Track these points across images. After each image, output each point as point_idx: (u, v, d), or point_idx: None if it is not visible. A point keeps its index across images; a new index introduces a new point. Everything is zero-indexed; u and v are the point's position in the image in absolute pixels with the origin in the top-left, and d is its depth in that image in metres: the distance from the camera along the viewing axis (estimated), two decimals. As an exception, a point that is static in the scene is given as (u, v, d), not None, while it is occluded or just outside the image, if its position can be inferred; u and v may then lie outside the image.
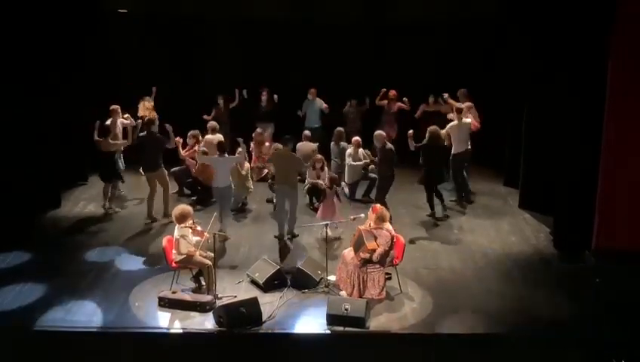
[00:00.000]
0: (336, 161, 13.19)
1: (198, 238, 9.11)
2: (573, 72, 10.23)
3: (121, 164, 13.20)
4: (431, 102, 14.67)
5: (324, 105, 14.71)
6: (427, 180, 11.84)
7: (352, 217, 10.02)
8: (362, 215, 9.62)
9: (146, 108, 14.14)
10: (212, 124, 13.08)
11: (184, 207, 9.31)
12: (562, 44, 10.66)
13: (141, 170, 13.06)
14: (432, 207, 11.94)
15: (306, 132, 13.78)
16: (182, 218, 9.10)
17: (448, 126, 12.44)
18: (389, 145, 11.64)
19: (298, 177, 11.31)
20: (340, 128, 13.50)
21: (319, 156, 12.32)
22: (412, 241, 10.80)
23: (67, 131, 12.93)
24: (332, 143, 13.33)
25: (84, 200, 12.82)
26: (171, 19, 15.75)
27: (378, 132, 11.88)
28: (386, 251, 9.00)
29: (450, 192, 12.77)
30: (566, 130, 10.44)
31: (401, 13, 15.46)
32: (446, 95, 14.01)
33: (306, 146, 13.16)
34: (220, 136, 12.32)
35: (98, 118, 12.59)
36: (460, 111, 12.60)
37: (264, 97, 14.78)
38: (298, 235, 11.08)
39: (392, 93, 14.86)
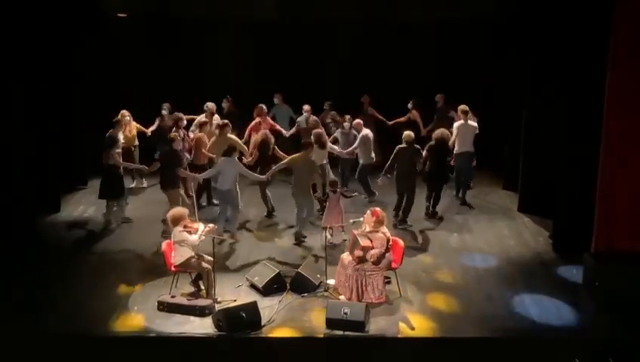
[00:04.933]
0: None
1: (197, 235, 9.07)
2: (572, 74, 10.23)
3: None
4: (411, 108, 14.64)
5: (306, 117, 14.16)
6: (433, 180, 11.99)
7: (351, 221, 10.02)
8: (361, 218, 9.63)
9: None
10: (222, 122, 12.46)
11: (177, 210, 9.31)
12: (561, 45, 10.69)
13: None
14: (431, 202, 12.18)
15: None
16: (175, 221, 9.11)
17: (455, 125, 12.77)
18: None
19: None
20: (318, 130, 12.76)
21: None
22: (411, 245, 10.78)
23: (67, 135, 12.95)
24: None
25: (84, 205, 12.85)
26: (171, 22, 15.82)
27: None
28: (382, 253, 9.01)
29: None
30: (565, 133, 10.45)
31: (401, 13, 15.50)
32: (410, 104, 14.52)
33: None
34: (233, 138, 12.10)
35: (98, 121, 12.61)
36: (465, 112, 12.78)
37: (226, 105, 14.29)
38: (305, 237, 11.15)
39: (365, 98, 14.84)
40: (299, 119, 13.96)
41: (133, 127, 13.28)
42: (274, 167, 11.38)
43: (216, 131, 12.32)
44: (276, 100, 14.68)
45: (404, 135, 11.80)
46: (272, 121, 13.87)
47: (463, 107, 12.97)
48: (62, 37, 12.59)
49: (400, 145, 11.68)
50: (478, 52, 15.58)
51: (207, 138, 12.34)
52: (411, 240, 11.05)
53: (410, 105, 14.68)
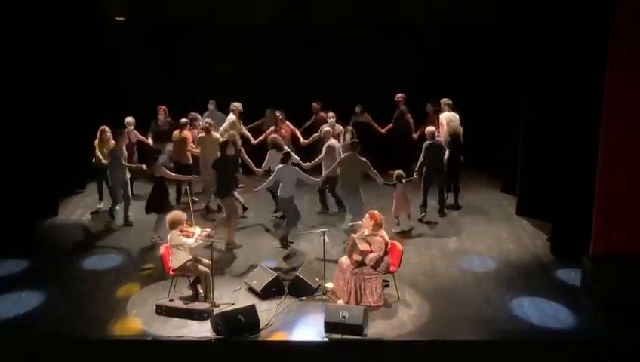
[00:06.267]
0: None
1: (194, 238, 9.06)
2: (571, 75, 10.25)
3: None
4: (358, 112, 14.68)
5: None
6: (450, 174, 12.65)
7: (349, 224, 10.03)
8: (359, 222, 9.62)
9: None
10: (208, 122, 12.65)
11: (176, 213, 9.30)
12: (560, 45, 10.70)
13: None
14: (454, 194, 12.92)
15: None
16: (173, 224, 9.10)
17: (442, 116, 13.22)
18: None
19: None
20: (274, 135, 12.59)
21: None
22: (410, 248, 10.77)
23: (66, 138, 12.93)
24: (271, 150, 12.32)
25: (82, 208, 12.85)
26: (170, 25, 15.83)
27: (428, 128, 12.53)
28: (380, 256, 9.01)
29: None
30: (564, 135, 10.46)
31: (401, 14, 15.53)
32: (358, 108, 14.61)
33: None
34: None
35: (97, 124, 12.57)
36: (450, 105, 13.40)
37: (161, 116, 13.75)
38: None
39: (318, 104, 14.75)
40: (326, 127, 13.32)
41: (112, 144, 12.27)
42: (327, 170, 11.58)
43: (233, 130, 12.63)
44: (210, 107, 14.37)
45: (426, 132, 12.32)
46: (291, 126, 13.73)
47: (446, 100, 13.48)
48: (62, 41, 12.60)
49: (428, 142, 12.11)
50: (477, 53, 15.60)
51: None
52: (410, 244, 11.04)
53: (357, 110, 14.59)
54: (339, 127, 13.24)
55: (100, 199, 12.75)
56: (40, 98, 11.77)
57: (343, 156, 11.41)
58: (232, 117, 13.42)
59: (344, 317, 8.22)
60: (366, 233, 9.26)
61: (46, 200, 12.15)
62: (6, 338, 8.36)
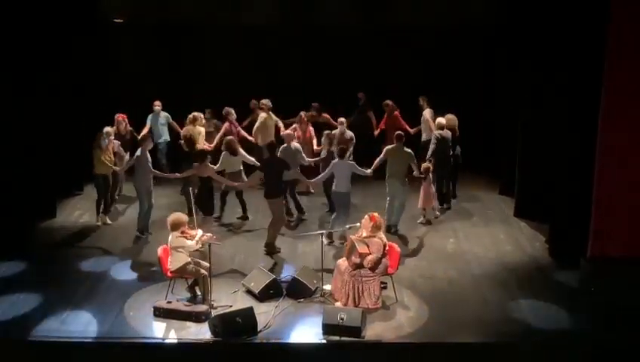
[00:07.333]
0: None
1: (194, 241, 9.04)
2: (570, 78, 10.25)
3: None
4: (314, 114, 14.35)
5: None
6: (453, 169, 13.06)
7: (347, 226, 10.02)
8: (358, 224, 9.62)
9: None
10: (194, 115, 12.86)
11: (177, 215, 9.29)
12: (559, 47, 10.70)
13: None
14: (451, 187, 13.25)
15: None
16: (175, 226, 9.09)
17: (430, 113, 13.66)
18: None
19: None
20: (229, 137, 12.31)
21: None
22: (407, 250, 10.79)
23: (64, 140, 12.92)
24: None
25: (80, 210, 12.82)
26: (170, 27, 15.85)
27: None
28: (379, 258, 9.00)
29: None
30: (563, 137, 10.46)
31: (401, 15, 15.57)
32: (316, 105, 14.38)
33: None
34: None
35: (95, 126, 12.57)
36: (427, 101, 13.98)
37: (122, 126, 13.08)
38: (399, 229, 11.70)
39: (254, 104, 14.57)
40: (335, 131, 13.14)
41: (112, 150, 12.06)
42: (375, 161, 11.61)
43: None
44: (156, 108, 13.99)
45: (436, 123, 12.60)
46: (312, 130, 13.53)
47: (424, 97, 14.18)
48: (61, 41, 12.59)
49: (437, 132, 12.43)
50: (477, 53, 15.60)
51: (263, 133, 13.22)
52: (407, 246, 11.05)
53: (314, 111, 14.31)
54: (349, 133, 13.04)
55: (106, 211, 12.20)
56: (39, 98, 11.75)
57: (389, 147, 11.63)
58: (263, 115, 13.63)
59: (342, 319, 8.21)
60: (364, 235, 9.25)
61: (44, 202, 12.14)
62: (5, 340, 8.34)
